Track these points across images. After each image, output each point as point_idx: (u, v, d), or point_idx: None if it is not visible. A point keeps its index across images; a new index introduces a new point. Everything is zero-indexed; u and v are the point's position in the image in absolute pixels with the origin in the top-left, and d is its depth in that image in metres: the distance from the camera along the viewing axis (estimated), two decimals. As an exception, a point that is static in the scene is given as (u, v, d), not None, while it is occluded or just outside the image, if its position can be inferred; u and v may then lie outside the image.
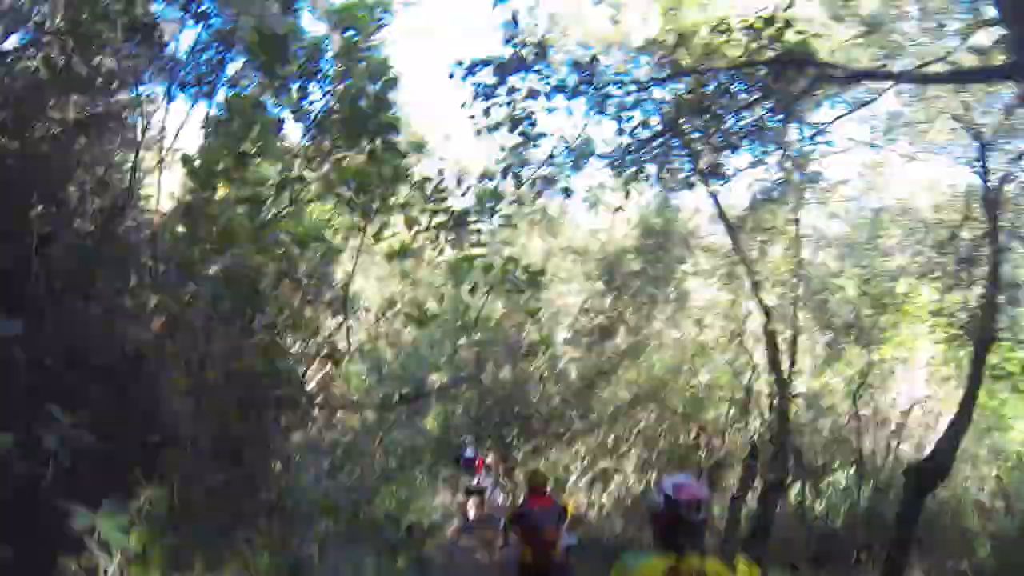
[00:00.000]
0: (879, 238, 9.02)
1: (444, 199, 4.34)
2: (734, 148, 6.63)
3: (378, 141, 3.92)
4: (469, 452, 12.06)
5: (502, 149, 5.56)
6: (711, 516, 2.78)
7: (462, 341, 16.03)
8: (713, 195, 8.66)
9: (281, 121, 4.22)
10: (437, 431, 14.97)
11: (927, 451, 7.01)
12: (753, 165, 7.22)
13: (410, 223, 3.84)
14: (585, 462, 12.56)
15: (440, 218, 4.20)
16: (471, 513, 11.59)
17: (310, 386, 7.17)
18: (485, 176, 5.28)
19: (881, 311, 8.59)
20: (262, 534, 2.84)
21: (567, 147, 6.34)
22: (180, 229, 4.66)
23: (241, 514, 2.82)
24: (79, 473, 2.19)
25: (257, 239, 4.36)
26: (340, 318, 7.41)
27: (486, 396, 15.52)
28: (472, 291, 3.42)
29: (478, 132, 5.34)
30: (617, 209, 8.43)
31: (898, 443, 9.22)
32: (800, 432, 9.08)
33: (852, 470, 9.26)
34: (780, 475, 8.21)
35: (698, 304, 10.13)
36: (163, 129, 5.17)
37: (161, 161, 4.98)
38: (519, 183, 4.59)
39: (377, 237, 4.37)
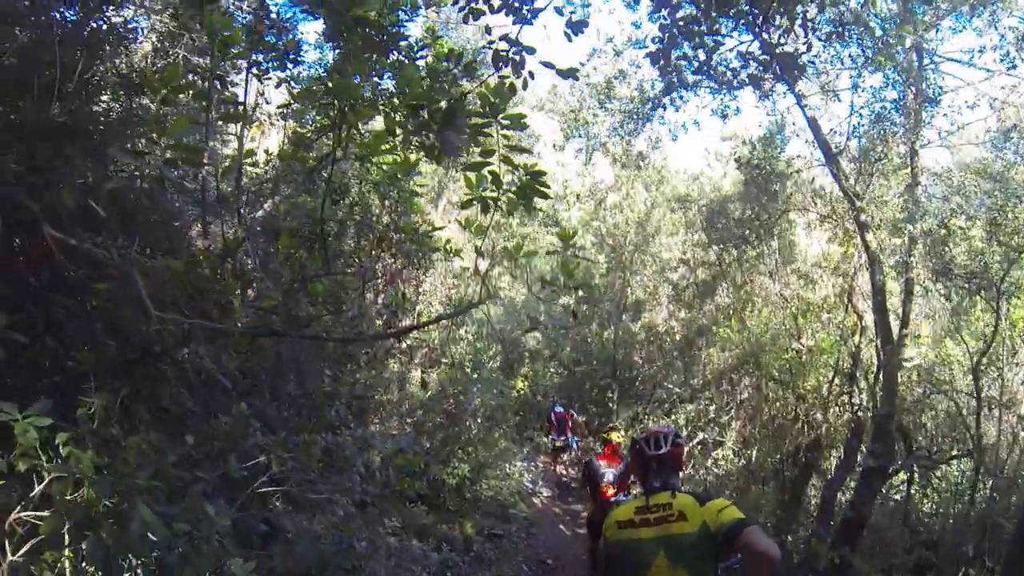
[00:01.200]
0: (1012, 173, 8.66)
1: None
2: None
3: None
4: (559, 408, 13.27)
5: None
6: (683, 447, 3.19)
7: (562, 300, 16.99)
8: (812, 122, 8.81)
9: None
10: (527, 392, 16.09)
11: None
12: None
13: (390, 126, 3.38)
14: (685, 432, 13.16)
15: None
16: (558, 469, 13.42)
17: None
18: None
19: (1015, 262, 7.87)
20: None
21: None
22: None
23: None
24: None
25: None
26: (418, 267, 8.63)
27: (586, 358, 16.42)
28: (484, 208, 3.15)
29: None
30: None
31: None
32: (910, 411, 8.99)
33: (969, 462, 8.48)
34: (883, 461, 7.86)
35: (805, 257, 10.29)
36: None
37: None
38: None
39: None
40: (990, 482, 7.85)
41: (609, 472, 6.35)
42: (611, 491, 6.16)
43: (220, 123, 5.37)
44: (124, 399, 2.92)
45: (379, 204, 7.92)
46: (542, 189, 3.28)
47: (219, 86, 3.73)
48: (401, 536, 6.80)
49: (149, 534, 2.29)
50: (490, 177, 3.21)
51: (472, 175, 3.25)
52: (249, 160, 5.12)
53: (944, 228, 8.37)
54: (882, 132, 8.91)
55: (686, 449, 3.34)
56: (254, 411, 4.65)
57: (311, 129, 5.08)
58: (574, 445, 13.46)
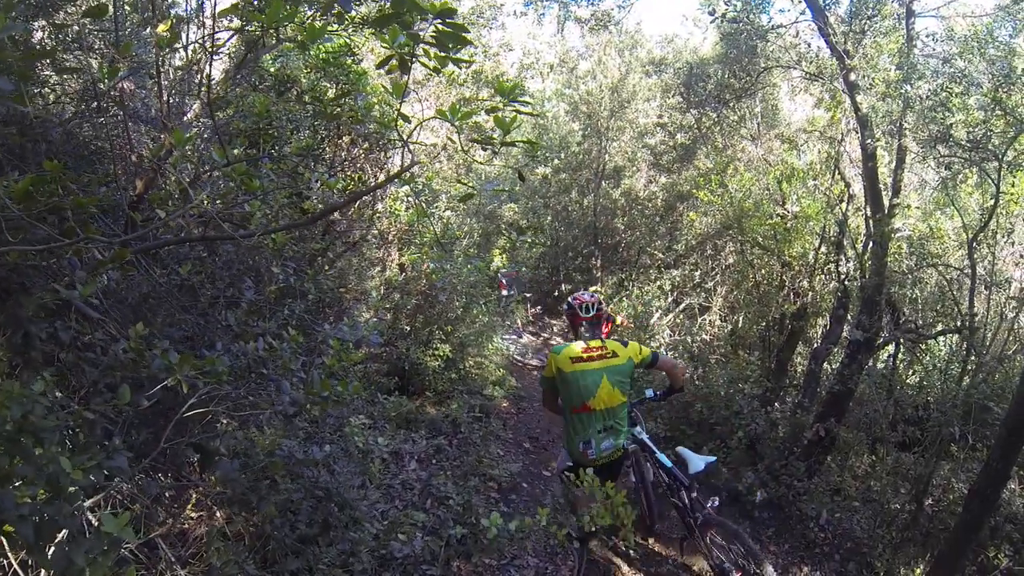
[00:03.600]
0: (1021, 31, 7.96)
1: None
2: None
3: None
4: (504, 271, 14.01)
5: None
6: (603, 312, 4.87)
7: (539, 169, 16.54)
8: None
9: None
10: (505, 264, 15.87)
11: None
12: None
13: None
14: (670, 298, 12.97)
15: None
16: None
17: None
18: None
19: (1019, 128, 7.20)
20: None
21: None
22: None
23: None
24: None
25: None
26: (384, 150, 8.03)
27: (569, 226, 16.13)
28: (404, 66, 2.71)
29: None
30: None
31: (1019, 312, 8.10)
32: (899, 283, 8.66)
33: (955, 338, 8.27)
34: (869, 333, 7.61)
35: (790, 122, 9.66)
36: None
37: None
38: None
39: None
40: (978, 359, 7.45)
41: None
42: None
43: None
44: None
45: (330, 90, 7.26)
46: (461, 35, 2.67)
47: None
48: (384, 430, 6.63)
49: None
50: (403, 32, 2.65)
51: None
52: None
53: (944, 92, 7.71)
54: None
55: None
56: (204, 324, 4.29)
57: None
58: (514, 292, 14.71)
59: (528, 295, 15.51)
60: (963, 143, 7.76)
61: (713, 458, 5.06)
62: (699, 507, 4.82)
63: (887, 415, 7.16)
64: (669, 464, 4.88)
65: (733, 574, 4.53)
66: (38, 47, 4.28)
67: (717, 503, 5.01)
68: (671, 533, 5.91)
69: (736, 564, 4.55)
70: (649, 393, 5.34)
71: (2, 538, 2.07)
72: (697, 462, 4.86)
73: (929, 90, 7.83)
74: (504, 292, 14.15)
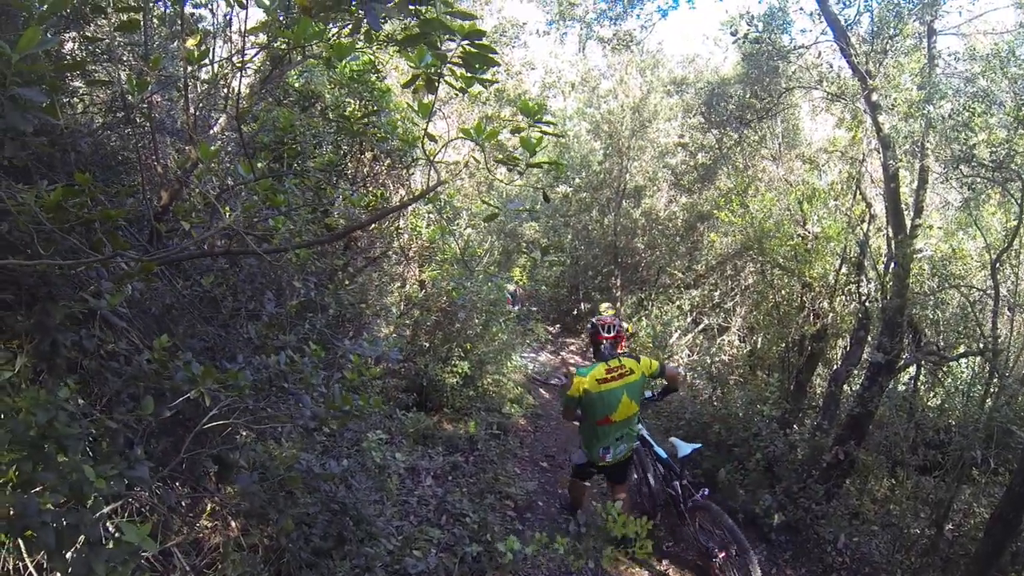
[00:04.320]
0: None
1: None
2: None
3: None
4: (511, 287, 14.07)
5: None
6: (624, 331, 5.91)
7: (560, 188, 16.58)
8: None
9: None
10: (525, 282, 15.89)
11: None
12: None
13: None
14: (689, 318, 12.91)
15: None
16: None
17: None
18: None
19: None
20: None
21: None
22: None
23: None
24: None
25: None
26: (403, 166, 8.10)
27: (590, 245, 16.12)
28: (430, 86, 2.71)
29: None
30: None
31: None
32: (921, 305, 8.53)
33: (977, 360, 8.17)
34: (891, 354, 7.50)
35: (810, 142, 9.62)
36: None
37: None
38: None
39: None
40: (1002, 382, 7.19)
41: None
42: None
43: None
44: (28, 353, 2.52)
45: (355, 106, 7.35)
46: (489, 56, 2.69)
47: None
48: (402, 446, 6.63)
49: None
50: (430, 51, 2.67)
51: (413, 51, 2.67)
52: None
53: (967, 111, 7.58)
54: (897, 8, 8.04)
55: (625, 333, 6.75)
56: (225, 336, 4.33)
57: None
58: (520, 307, 14.51)
59: (535, 309, 15.42)
60: (986, 163, 7.54)
61: (699, 444, 5.84)
62: (689, 494, 5.50)
63: (908, 438, 7.03)
64: (665, 456, 5.82)
65: (717, 553, 5.14)
66: (69, 58, 4.37)
67: (707, 492, 5.55)
68: (686, 554, 5.86)
69: (720, 545, 5.16)
70: (648, 395, 5.94)
71: (20, 541, 2.09)
72: (684, 448, 5.61)
73: (951, 110, 7.72)
74: (510, 307, 14.22)
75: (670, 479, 5.74)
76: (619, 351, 5.71)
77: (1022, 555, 5.43)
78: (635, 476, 6.48)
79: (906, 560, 5.87)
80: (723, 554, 5.09)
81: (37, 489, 2.05)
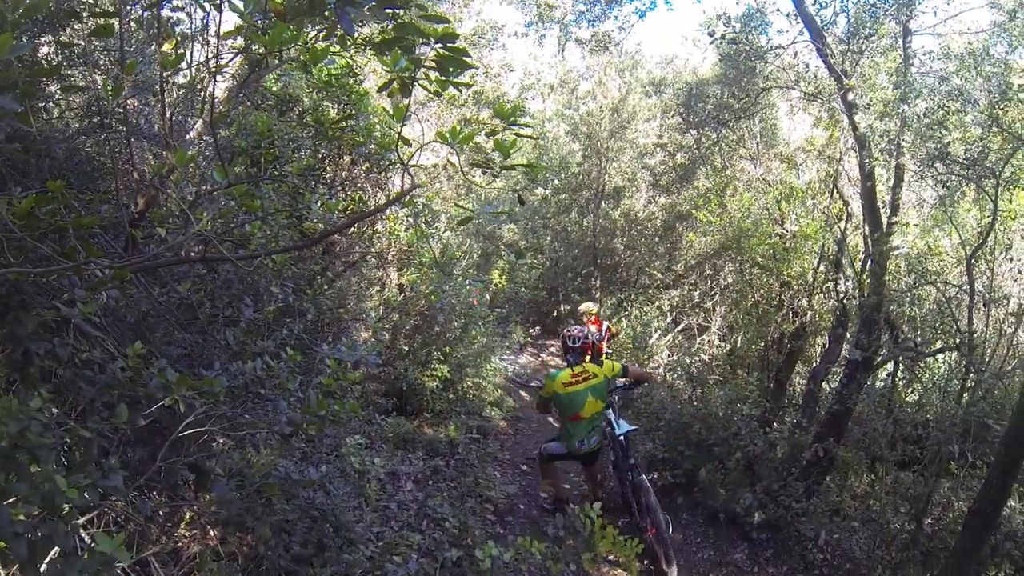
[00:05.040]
0: (1016, 48, 7.97)
1: None
2: None
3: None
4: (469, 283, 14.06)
5: None
6: (593, 343, 7.36)
7: (539, 190, 16.62)
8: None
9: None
10: (504, 284, 15.87)
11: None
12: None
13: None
14: (669, 318, 12.97)
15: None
16: None
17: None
18: None
19: (1015, 145, 7.15)
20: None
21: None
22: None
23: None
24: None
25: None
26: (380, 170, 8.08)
27: (569, 246, 16.14)
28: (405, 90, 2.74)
29: None
30: None
31: (1017, 328, 8.21)
32: (898, 301, 8.61)
33: (954, 356, 8.22)
34: (869, 351, 7.57)
35: (788, 141, 9.70)
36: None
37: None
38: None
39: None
40: (977, 377, 7.22)
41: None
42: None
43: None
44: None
45: (333, 110, 7.32)
46: (462, 59, 2.69)
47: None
48: (382, 451, 6.62)
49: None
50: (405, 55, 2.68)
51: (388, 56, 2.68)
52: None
53: (941, 110, 7.68)
54: (873, 9, 8.14)
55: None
56: (203, 343, 4.30)
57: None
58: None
59: (503, 309, 15.24)
60: (960, 160, 7.62)
61: (636, 427, 7.01)
62: (637, 474, 6.20)
63: (886, 434, 7.10)
64: (621, 439, 6.41)
65: (649, 530, 5.76)
66: (44, 62, 4.32)
67: (653, 477, 6.89)
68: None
69: (653, 523, 5.79)
70: (620, 383, 6.79)
71: (-7, 553, 2.07)
72: (624, 427, 6.46)
73: (926, 108, 7.78)
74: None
75: (623, 459, 6.41)
76: (589, 356, 6.84)
77: (1001, 547, 5.53)
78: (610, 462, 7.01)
79: (886, 555, 5.94)
80: (653, 531, 5.73)
81: (10, 500, 2.03)
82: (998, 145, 7.35)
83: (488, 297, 14.59)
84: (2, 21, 2.10)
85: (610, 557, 5.66)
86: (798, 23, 8.75)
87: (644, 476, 6.26)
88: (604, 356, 9.27)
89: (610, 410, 6.62)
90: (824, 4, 8.50)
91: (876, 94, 8.26)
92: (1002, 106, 7.33)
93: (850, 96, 7.93)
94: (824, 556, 6.16)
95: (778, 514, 6.54)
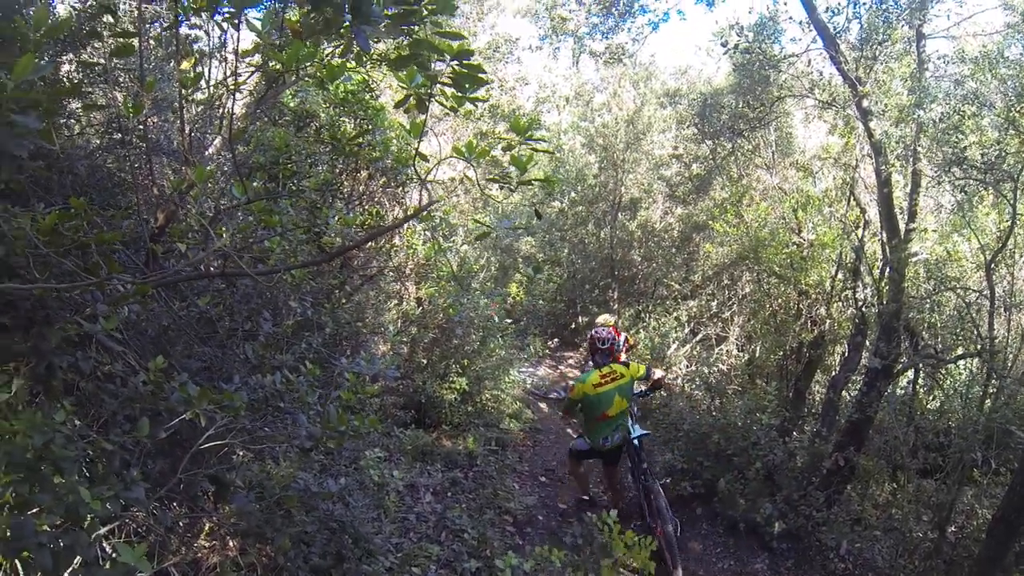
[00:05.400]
0: (1034, 52, 7.89)
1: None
2: None
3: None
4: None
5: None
6: (614, 345, 6.90)
7: (555, 203, 16.64)
8: (806, 1, 8.08)
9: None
10: (522, 297, 15.86)
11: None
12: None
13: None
14: (687, 329, 12.92)
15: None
16: None
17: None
18: None
19: None
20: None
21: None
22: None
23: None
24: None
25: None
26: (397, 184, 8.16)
27: (586, 258, 16.12)
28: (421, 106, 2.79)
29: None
30: None
31: None
32: (917, 308, 8.52)
33: (975, 362, 8.17)
34: (889, 358, 7.47)
35: (804, 149, 9.66)
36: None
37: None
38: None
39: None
40: (999, 383, 7.22)
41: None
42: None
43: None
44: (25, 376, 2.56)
45: (350, 125, 7.40)
46: (478, 75, 2.72)
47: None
48: (400, 463, 6.64)
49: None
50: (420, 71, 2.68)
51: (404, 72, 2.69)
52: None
53: (957, 114, 7.63)
54: (885, 14, 8.11)
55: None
56: (222, 356, 4.36)
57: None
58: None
59: (521, 321, 15.17)
60: (978, 164, 7.54)
61: (649, 431, 7.33)
62: (649, 478, 6.45)
63: (907, 442, 7.03)
64: (637, 444, 6.67)
65: (657, 529, 5.96)
66: (65, 81, 4.41)
67: (667, 483, 7.21)
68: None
69: (662, 524, 5.96)
70: (638, 391, 7.05)
71: (16, 562, 2.11)
72: (638, 430, 6.77)
73: (942, 113, 7.72)
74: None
75: (638, 463, 6.68)
76: (613, 359, 6.80)
77: (1025, 555, 5.44)
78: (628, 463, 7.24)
79: (909, 564, 5.86)
80: (660, 533, 5.89)
81: (33, 511, 2.08)
82: (1015, 148, 7.27)
83: (506, 311, 14.63)
84: (25, 41, 2.16)
85: (632, 564, 5.63)
86: (811, 31, 8.74)
87: (656, 481, 6.50)
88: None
89: (627, 417, 6.78)
90: (836, 11, 8.45)
91: (891, 100, 8.22)
92: (1019, 108, 7.28)
93: (865, 103, 7.90)
94: (846, 566, 6.10)
95: (799, 524, 6.48)
